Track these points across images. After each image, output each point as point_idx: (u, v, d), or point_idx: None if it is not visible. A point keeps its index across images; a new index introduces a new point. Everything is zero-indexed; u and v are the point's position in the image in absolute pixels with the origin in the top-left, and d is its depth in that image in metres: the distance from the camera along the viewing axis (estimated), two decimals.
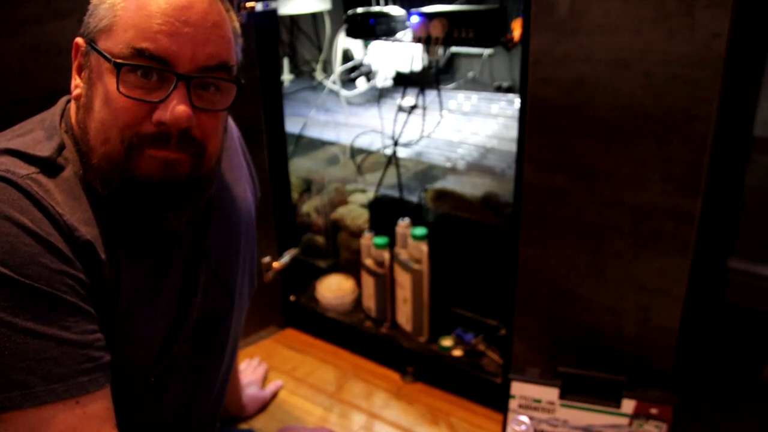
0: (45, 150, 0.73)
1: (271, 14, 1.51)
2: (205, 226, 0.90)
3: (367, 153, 1.72)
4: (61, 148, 0.75)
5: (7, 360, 0.64)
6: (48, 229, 0.68)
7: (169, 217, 0.79)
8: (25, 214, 0.67)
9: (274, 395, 1.51)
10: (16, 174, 0.69)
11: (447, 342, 1.56)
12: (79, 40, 0.76)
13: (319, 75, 1.94)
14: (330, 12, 1.83)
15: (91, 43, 0.73)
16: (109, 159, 0.72)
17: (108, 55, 0.70)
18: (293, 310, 1.79)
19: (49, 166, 0.73)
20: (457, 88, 1.75)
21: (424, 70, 1.63)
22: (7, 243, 0.65)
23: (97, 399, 0.70)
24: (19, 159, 0.71)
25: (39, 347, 0.66)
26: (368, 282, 1.66)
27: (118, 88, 0.69)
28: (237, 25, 0.78)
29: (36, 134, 0.76)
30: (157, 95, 0.71)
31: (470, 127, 1.61)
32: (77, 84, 0.76)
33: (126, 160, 0.72)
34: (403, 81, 1.74)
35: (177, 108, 0.70)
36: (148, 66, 0.69)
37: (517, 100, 1.35)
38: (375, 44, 1.77)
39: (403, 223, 1.57)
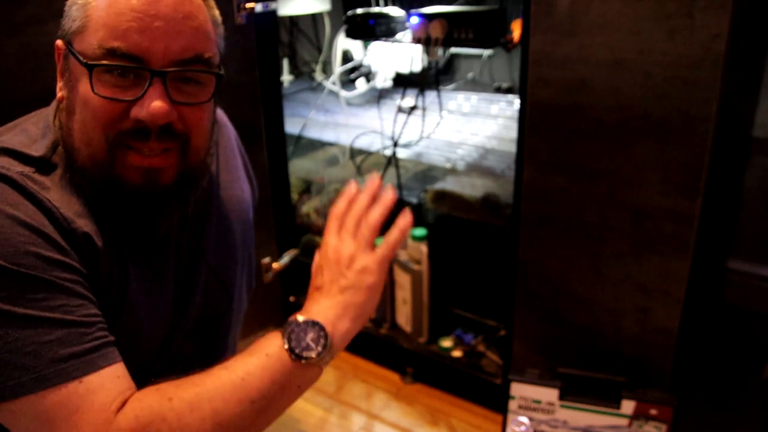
0: (40, 149, 0.73)
1: (271, 15, 1.51)
2: (203, 227, 0.90)
3: (367, 154, 1.72)
4: (55, 146, 0.75)
5: (12, 347, 0.64)
6: (41, 220, 0.68)
7: (160, 222, 0.79)
8: (16, 207, 0.67)
9: None
10: (10, 170, 0.69)
11: (447, 343, 1.56)
12: (58, 42, 0.75)
13: (318, 76, 1.94)
14: (329, 13, 1.83)
15: (68, 45, 0.72)
16: (93, 160, 0.72)
17: (80, 57, 0.69)
18: (293, 311, 1.78)
19: (44, 165, 0.73)
20: (457, 88, 1.75)
21: (424, 70, 1.63)
22: (1, 234, 0.65)
23: (111, 372, 0.69)
24: (14, 159, 0.71)
25: (42, 331, 0.65)
26: None
27: (92, 89, 0.69)
28: (216, 12, 0.76)
29: (30, 133, 0.76)
30: (132, 93, 0.70)
31: (470, 128, 1.61)
32: (60, 86, 0.76)
33: (109, 163, 0.71)
34: (402, 82, 1.74)
35: (153, 105, 0.69)
36: (120, 65, 0.69)
37: (516, 101, 1.35)
38: (375, 45, 1.78)
39: None
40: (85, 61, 0.69)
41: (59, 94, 0.76)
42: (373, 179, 0.85)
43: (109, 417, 0.66)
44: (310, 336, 0.75)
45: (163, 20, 0.69)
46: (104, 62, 0.68)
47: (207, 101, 0.75)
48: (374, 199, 0.83)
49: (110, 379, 0.69)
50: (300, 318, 0.77)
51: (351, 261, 0.80)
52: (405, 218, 0.81)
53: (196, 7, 0.72)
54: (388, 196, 0.83)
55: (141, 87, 0.69)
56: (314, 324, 0.76)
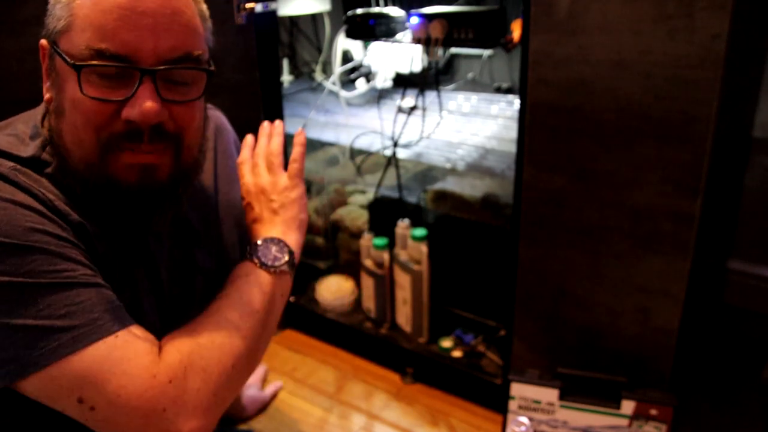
0: (30, 149, 0.73)
1: (271, 15, 1.51)
2: (199, 232, 0.90)
3: (367, 154, 1.72)
4: (45, 144, 0.74)
5: (45, 313, 0.65)
6: (39, 206, 0.69)
7: (155, 221, 0.79)
8: (14, 194, 0.68)
9: (274, 396, 1.50)
10: (2, 166, 0.70)
11: (447, 343, 1.56)
12: (43, 42, 0.73)
13: (318, 76, 1.94)
14: (329, 13, 1.83)
15: (53, 45, 0.71)
16: (86, 162, 0.71)
17: (67, 58, 0.68)
18: (293, 311, 1.79)
19: (34, 164, 0.72)
20: (457, 89, 1.75)
21: (424, 71, 1.63)
22: (6, 216, 0.66)
23: (137, 327, 0.73)
24: (3, 159, 0.71)
25: (72, 293, 0.67)
26: (368, 283, 1.65)
27: (81, 90, 0.68)
28: (203, 7, 0.75)
29: (20, 134, 0.75)
30: (122, 93, 0.69)
31: (470, 128, 1.61)
32: (47, 87, 0.75)
33: (102, 164, 0.71)
34: (402, 82, 1.74)
35: (144, 105, 0.68)
36: (109, 65, 0.67)
37: (516, 101, 1.35)
38: (375, 45, 1.78)
39: (402, 224, 1.56)
40: (72, 61, 0.67)
41: (46, 96, 0.75)
42: (264, 124, 1.00)
43: (154, 358, 0.70)
44: (274, 250, 0.86)
45: (151, 17, 0.67)
46: (92, 63, 0.67)
47: (197, 98, 0.74)
48: (270, 137, 0.99)
49: (140, 330, 0.72)
50: (258, 241, 0.87)
51: (273, 186, 0.93)
52: (300, 135, 0.98)
53: (183, 3, 0.71)
54: (278, 125, 1.00)
55: (130, 87, 0.68)
56: (272, 240, 0.87)
